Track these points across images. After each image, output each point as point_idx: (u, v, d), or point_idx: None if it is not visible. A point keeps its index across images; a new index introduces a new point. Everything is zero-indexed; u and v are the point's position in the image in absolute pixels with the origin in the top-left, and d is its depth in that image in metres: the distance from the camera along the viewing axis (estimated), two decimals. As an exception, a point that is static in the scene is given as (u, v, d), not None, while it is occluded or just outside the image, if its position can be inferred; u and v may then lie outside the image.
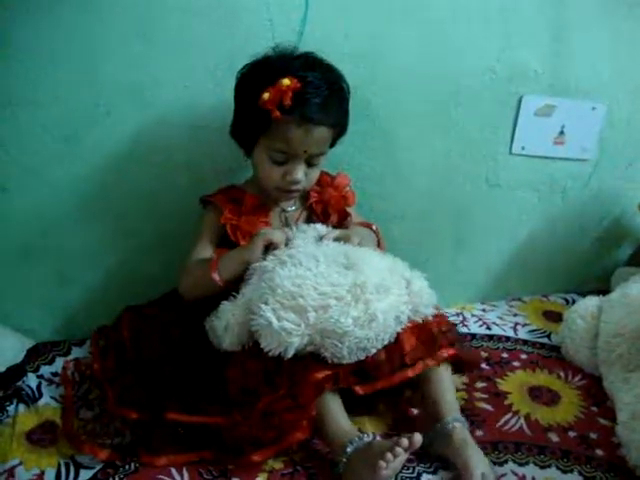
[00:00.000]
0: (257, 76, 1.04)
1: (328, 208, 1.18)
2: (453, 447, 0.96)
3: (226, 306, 1.00)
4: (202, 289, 1.06)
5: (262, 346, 0.94)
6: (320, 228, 1.10)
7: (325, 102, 1.02)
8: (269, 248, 1.03)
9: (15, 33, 1.06)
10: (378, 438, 0.97)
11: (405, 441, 0.87)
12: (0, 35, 1.06)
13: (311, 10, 1.17)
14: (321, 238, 1.07)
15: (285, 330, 0.92)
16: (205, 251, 1.11)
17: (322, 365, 0.96)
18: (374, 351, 0.98)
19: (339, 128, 1.09)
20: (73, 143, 1.15)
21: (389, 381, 1.01)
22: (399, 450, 0.86)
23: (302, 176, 1.07)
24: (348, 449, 0.92)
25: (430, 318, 1.04)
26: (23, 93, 1.10)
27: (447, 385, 1.04)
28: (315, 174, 1.11)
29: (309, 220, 1.18)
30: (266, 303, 0.94)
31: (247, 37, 1.15)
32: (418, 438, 0.89)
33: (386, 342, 0.98)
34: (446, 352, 1.04)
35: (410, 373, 1.01)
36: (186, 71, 1.16)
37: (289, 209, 1.16)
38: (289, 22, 1.17)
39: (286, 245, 1.04)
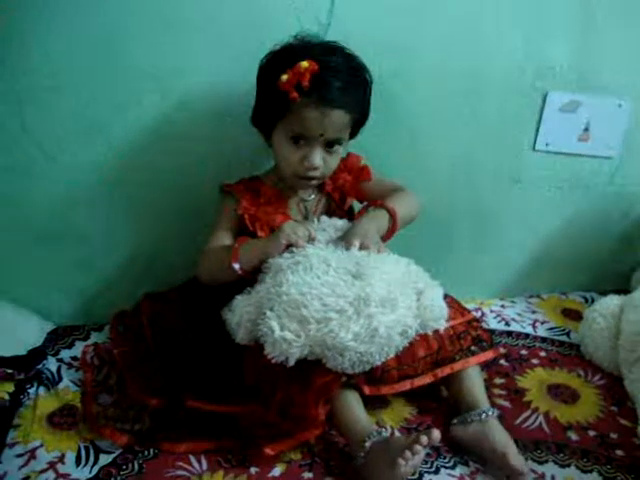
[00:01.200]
0: (277, 60, 1.04)
1: (344, 193, 1.17)
2: (491, 435, 0.97)
3: (239, 302, 0.99)
4: (221, 275, 1.06)
5: (265, 352, 0.93)
6: (339, 223, 1.09)
7: (344, 86, 1.02)
8: (291, 244, 1.02)
9: (38, 19, 1.06)
10: (396, 433, 0.97)
11: (424, 438, 0.87)
12: (23, 22, 1.06)
13: (337, 3, 1.16)
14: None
15: (286, 340, 0.90)
16: (224, 238, 1.10)
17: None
18: (379, 364, 0.95)
19: (358, 115, 1.08)
20: (96, 129, 1.15)
21: (393, 388, 1.03)
22: (418, 448, 0.86)
23: (319, 161, 1.05)
24: (366, 444, 0.92)
25: (443, 330, 1.02)
26: (47, 79, 1.10)
27: (476, 380, 1.07)
28: (334, 162, 1.09)
29: (328, 208, 1.17)
30: (272, 309, 0.93)
31: (273, 27, 1.13)
32: (437, 434, 0.88)
33: (391, 355, 0.96)
34: (463, 363, 1.06)
35: (415, 383, 1.03)
36: (211, 60, 1.15)
37: (308, 198, 1.16)
38: (316, 12, 1.16)
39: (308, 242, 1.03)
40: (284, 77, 0.99)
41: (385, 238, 1.07)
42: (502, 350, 1.26)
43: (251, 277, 1.03)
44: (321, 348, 0.91)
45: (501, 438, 0.97)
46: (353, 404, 0.98)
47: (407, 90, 1.25)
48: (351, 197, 1.18)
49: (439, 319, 0.99)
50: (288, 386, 0.96)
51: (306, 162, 1.05)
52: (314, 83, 0.99)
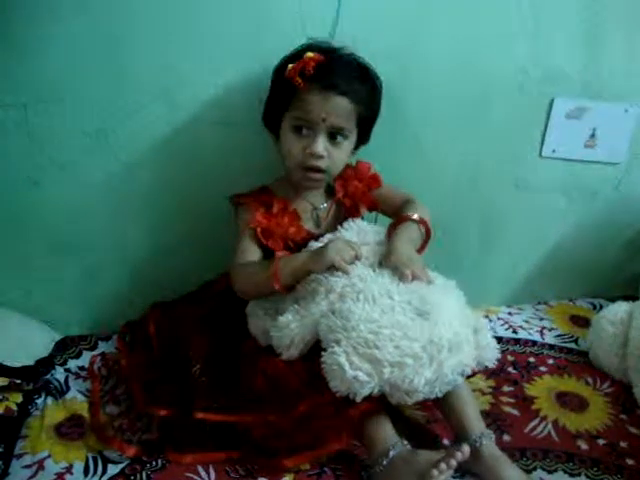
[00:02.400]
0: (288, 57, 1.07)
1: (356, 200, 1.17)
2: (485, 465, 0.94)
3: (290, 322, 0.98)
4: (258, 293, 1.07)
5: (330, 386, 0.92)
6: (363, 225, 1.09)
7: (348, 76, 1.04)
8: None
9: (45, 31, 1.07)
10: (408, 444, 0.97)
11: (459, 454, 0.87)
12: (30, 32, 1.06)
13: (343, 8, 1.16)
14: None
15: (358, 380, 0.90)
16: (251, 249, 1.09)
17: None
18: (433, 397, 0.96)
19: (363, 109, 1.07)
20: (104, 139, 1.15)
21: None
22: (453, 462, 0.86)
23: (323, 149, 1.05)
24: (391, 452, 0.91)
25: None
26: (54, 89, 1.10)
27: (467, 398, 1.01)
28: (339, 156, 1.08)
29: (339, 216, 1.17)
30: (338, 343, 0.93)
31: (279, 35, 1.14)
32: (467, 449, 0.88)
33: (447, 390, 0.96)
34: None
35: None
36: (216, 69, 1.16)
37: (320, 207, 1.15)
38: (321, 21, 1.16)
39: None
40: (290, 66, 1.03)
41: (420, 251, 1.08)
42: (509, 358, 1.26)
43: (288, 292, 1.04)
44: (390, 389, 0.92)
45: (497, 467, 0.94)
46: (381, 415, 0.97)
47: (413, 96, 1.25)
48: (363, 205, 1.18)
49: (492, 359, 1.00)
50: (325, 389, 0.95)
51: (309, 149, 1.05)
52: (318, 71, 1.01)
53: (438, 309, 0.96)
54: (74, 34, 1.08)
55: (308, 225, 1.13)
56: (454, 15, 1.23)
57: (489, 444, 0.96)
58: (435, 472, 0.85)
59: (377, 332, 0.92)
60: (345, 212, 1.17)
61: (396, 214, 1.14)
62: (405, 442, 0.95)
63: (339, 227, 1.10)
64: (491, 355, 1.00)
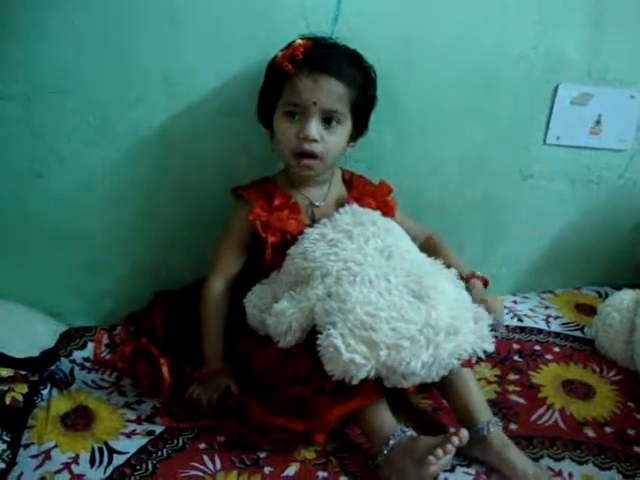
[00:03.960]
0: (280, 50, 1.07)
1: None
2: (493, 452, 0.94)
3: (286, 308, 0.98)
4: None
5: (326, 369, 0.92)
6: (357, 208, 1.08)
7: (338, 60, 1.05)
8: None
9: (45, 20, 1.06)
10: (414, 433, 0.97)
11: (455, 438, 0.86)
12: (30, 23, 1.06)
13: (344, -1, 1.15)
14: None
15: (354, 363, 0.89)
16: (232, 259, 1.11)
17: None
18: (429, 381, 0.95)
19: (356, 91, 1.06)
20: (105, 130, 1.15)
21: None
22: (450, 447, 0.86)
23: (316, 133, 1.04)
24: (391, 441, 0.91)
25: None
26: (55, 80, 1.10)
27: (472, 386, 1.01)
28: (334, 142, 1.06)
29: None
30: (334, 326, 0.92)
31: (280, 25, 1.13)
32: (465, 434, 0.88)
33: (444, 374, 0.95)
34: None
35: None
36: (217, 58, 1.15)
37: (317, 204, 1.14)
38: (323, 10, 1.15)
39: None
40: (279, 53, 1.04)
41: None
42: (515, 346, 1.26)
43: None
44: (387, 371, 0.91)
45: (504, 454, 0.93)
46: (379, 403, 0.96)
47: (416, 85, 1.24)
48: None
49: (489, 350, 0.99)
50: (310, 388, 0.96)
51: (302, 134, 1.04)
52: (307, 55, 1.02)
53: (435, 292, 0.95)
54: (76, 25, 1.08)
55: (305, 221, 1.12)
56: (456, 3, 1.22)
57: (496, 431, 0.95)
58: (432, 458, 0.85)
59: (374, 314, 0.92)
60: None
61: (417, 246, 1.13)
62: (406, 429, 0.94)
63: (334, 213, 1.08)
64: (487, 347, 0.98)
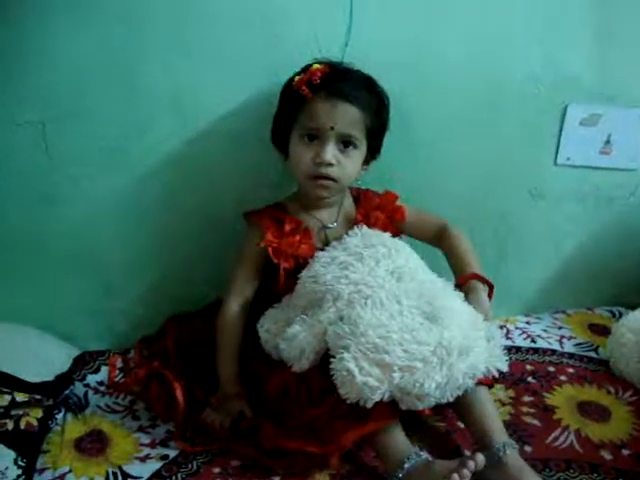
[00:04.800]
0: (296, 73, 1.08)
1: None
2: (509, 475, 0.92)
3: (299, 332, 0.98)
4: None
5: (340, 392, 0.92)
6: (366, 231, 1.08)
7: (354, 85, 1.06)
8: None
9: (59, 49, 1.08)
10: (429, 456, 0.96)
11: (472, 463, 0.86)
12: (45, 51, 1.08)
13: (355, 22, 1.16)
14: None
15: (368, 386, 0.89)
16: (248, 281, 1.12)
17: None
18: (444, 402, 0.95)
19: (371, 119, 1.07)
20: (118, 155, 1.17)
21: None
22: (466, 472, 0.85)
23: (332, 157, 1.04)
24: (406, 465, 0.91)
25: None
26: (68, 106, 1.12)
27: (489, 407, 1.00)
28: (350, 166, 1.07)
29: None
30: (347, 349, 0.92)
31: (290, 49, 1.15)
32: (481, 458, 0.87)
33: (458, 395, 0.94)
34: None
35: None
36: (229, 84, 1.16)
37: (330, 225, 1.14)
38: (334, 35, 1.17)
39: None
40: (297, 78, 1.05)
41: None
42: (529, 367, 1.25)
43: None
44: (401, 393, 0.91)
45: (520, 478, 0.91)
46: (393, 426, 0.96)
47: (426, 107, 1.25)
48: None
49: (502, 368, 0.98)
50: (324, 411, 0.96)
51: (318, 158, 1.05)
52: (325, 80, 1.03)
53: (447, 312, 0.95)
54: (88, 51, 1.09)
55: (316, 244, 1.12)
56: (464, 24, 1.23)
57: (512, 454, 0.94)
58: None
59: (386, 337, 0.92)
60: None
61: (434, 241, 1.18)
62: (421, 452, 0.94)
63: (344, 235, 1.09)
64: (500, 365, 0.98)
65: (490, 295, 1.10)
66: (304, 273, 1.05)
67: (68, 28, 1.08)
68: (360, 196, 1.18)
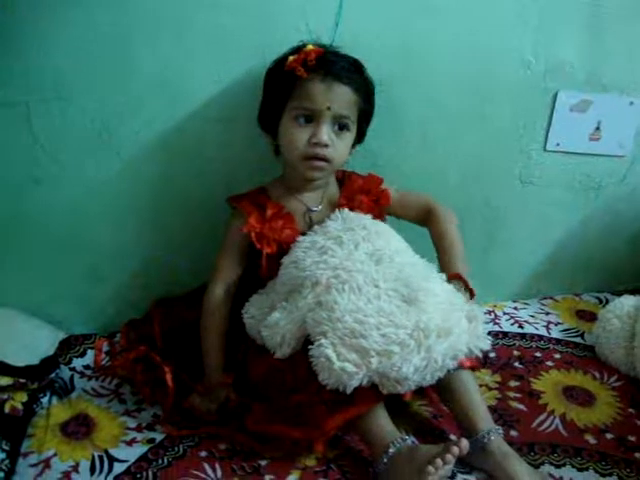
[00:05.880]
0: (285, 54, 1.07)
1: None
2: (494, 461, 0.93)
3: (279, 319, 0.98)
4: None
5: (319, 379, 0.92)
6: (347, 214, 1.07)
7: (348, 67, 1.06)
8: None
9: (46, 29, 1.06)
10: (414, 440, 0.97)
11: (455, 448, 0.86)
12: (32, 32, 1.06)
13: (346, 4, 1.15)
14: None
15: (346, 372, 0.89)
16: (232, 267, 1.11)
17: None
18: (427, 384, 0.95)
19: (363, 101, 1.08)
20: (106, 137, 1.15)
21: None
22: (449, 457, 0.85)
23: (328, 139, 1.04)
24: (390, 450, 0.91)
25: None
26: (56, 88, 1.10)
27: (473, 392, 1.00)
28: (343, 147, 1.07)
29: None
30: (325, 335, 0.92)
31: (280, 32, 1.13)
32: (465, 444, 0.87)
33: (439, 376, 0.94)
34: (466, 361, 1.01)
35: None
36: (218, 65, 1.15)
37: (314, 208, 1.13)
38: (324, 17, 1.15)
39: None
40: (291, 58, 1.03)
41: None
42: (515, 353, 1.26)
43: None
44: (380, 377, 0.91)
45: (506, 463, 0.92)
46: (377, 410, 0.96)
47: (416, 93, 1.25)
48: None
49: (484, 347, 0.98)
50: (308, 396, 0.96)
51: (314, 139, 1.04)
52: (320, 61, 1.02)
53: (425, 295, 0.95)
54: (76, 31, 1.07)
55: (301, 227, 1.11)
56: (455, 9, 1.22)
57: (498, 439, 0.95)
58: (431, 468, 0.84)
59: (363, 321, 0.91)
60: None
61: (421, 222, 1.19)
62: (406, 437, 0.94)
63: (326, 219, 1.08)
64: (483, 345, 0.97)
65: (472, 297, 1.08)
66: (285, 259, 1.04)
67: (55, 8, 1.06)
68: (344, 179, 1.18)
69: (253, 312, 1.06)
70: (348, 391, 0.91)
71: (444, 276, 1.05)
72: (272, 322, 0.99)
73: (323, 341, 0.92)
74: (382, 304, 0.93)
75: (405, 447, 0.91)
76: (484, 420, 0.97)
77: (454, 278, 1.07)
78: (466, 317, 0.97)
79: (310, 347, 0.94)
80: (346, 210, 1.09)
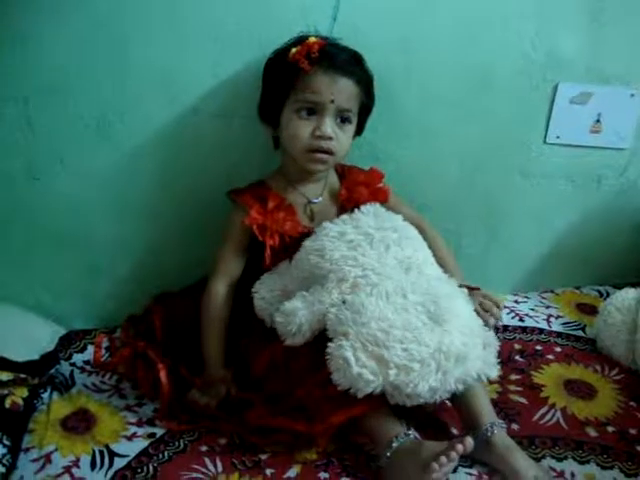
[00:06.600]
0: (285, 46, 1.07)
1: (357, 205, 1.13)
2: (496, 454, 0.93)
3: (298, 309, 0.96)
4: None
5: (333, 378, 0.91)
6: (380, 210, 1.06)
7: (350, 60, 1.06)
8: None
9: (44, 22, 1.06)
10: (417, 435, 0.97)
11: (460, 446, 0.86)
12: (28, 25, 1.05)
13: (343, -1, 1.15)
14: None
15: (362, 378, 0.88)
16: (235, 260, 1.11)
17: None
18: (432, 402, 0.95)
19: (364, 92, 1.08)
20: (103, 131, 1.15)
21: None
22: (454, 455, 0.85)
23: (331, 131, 1.04)
24: (394, 444, 0.91)
25: None
26: (53, 81, 1.09)
27: (478, 389, 1.00)
28: (345, 139, 1.07)
29: (331, 210, 1.14)
30: (346, 336, 0.91)
31: (279, 25, 1.13)
32: (470, 441, 0.87)
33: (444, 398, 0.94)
34: None
35: None
36: (216, 60, 1.14)
37: (315, 200, 1.13)
38: (322, 9, 1.15)
39: None
40: (293, 50, 1.03)
41: None
42: (516, 346, 1.25)
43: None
44: (393, 389, 0.90)
45: (508, 457, 0.92)
46: (381, 407, 0.95)
47: (415, 85, 1.24)
48: None
49: (492, 376, 0.97)
50: (312, 390, 0.96)
51: (318, 131, 1.04)
52: (322, 54, 1.02)
53: (451, 316, 0.93)
54: (74, 26, 1.07)
55: (302, 219, 1.11)
56: (456, 4, 1.21)
57: (500, 433, 0.95)
58: (435, 465, 0.84)
59: (388, 331, 0.90)
60: (340, 209, 1.15)
61: None
62: (410, 432, 0.94)
63: (356, 210, 1.06)
64: (492, 373, 0.96)
65: None
66: (308, 243, 1.02)
67: (54, 4, 1.05)
68: (345, 172, 1.18)
69: (264, 293, 1.05)
70: (359, 396, 0.90)
71: (466, 291, 1.03)
72: (289, 310, 0.97)
73: (344, 342, 0.90)
74: (409, 317, 0.92)
75: (409, 442, 0.91)
76: (487, 415, 0.97)
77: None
78: (482, 343, 0.96)
79: (329, 345, 0.93)
80: (377, 205, 1.08)
